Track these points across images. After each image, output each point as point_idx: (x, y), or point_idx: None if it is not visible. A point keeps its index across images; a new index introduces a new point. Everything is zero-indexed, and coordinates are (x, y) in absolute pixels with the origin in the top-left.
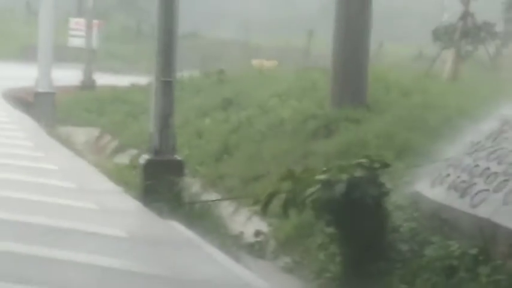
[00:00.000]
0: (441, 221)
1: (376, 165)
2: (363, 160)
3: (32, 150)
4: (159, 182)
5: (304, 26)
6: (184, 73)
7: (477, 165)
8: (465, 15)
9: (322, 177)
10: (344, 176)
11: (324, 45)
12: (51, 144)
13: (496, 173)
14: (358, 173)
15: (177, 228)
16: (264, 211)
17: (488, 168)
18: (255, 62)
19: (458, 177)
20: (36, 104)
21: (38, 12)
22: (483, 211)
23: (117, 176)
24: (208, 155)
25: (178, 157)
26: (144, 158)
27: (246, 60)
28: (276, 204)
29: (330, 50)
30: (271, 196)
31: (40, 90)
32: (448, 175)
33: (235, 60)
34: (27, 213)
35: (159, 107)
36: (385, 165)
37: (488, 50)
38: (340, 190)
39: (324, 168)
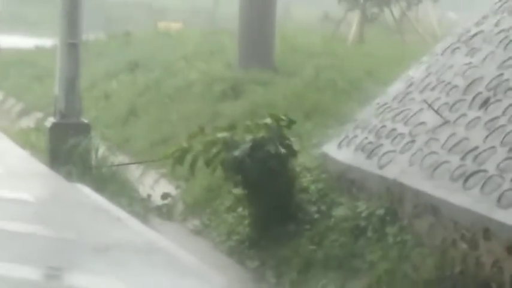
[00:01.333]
0: (349, 182)
1: (282, 123)
2: (269, 120)
3: None
4: (66, 145)
5: None
6: (89, 35)
7: (384, 127)
8: None
9: (226, 136)
10: (248, 136)
11: (230, 7)
12: None
13: (402, 134)
14: (263, 132)
15: (85, 192)
16: (174, 168)
17: (394, 130)
18: (161, 25)
19: (366, 138)
20: None
21: None
22: (390, 172)
23: (23, 139)
24: (115, 117)
25: (84, 120)
26: (49, 121)
27: (152, 23)
28: (183, 168)
29: (236, 12)
30: (180, 153)
31: None
32: (356, 136)
33: (140, 23)
34: None
35: (64, 70)
36: (291, 122)
37: (393, 13)
38: (245, 150)
39: (229, 128)
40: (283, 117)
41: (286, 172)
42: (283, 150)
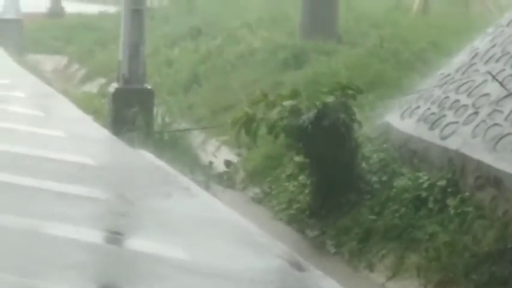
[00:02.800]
0: (411, 152)
1: (349, 91)
2: (335, 87)
3: None
4: (129, 111)
5: None
6: (153, 1)
7: (447, 98)
8: None
9: (291, 103)
10: (314, 103)
11: None
12: (18, 72)
13: (465, 106)
14: (329, 99)
15: (146, 157)
16: (238, 135)
17: (458, 101)
18: None
19: (428, 109)
20: (3, 31)
21: None
22: (452, 143)
23: (86, 104)
24: (177, 84)
25: (148, 86)
26: (113, 86)
27: None
28: (245, 135)
29: None
30: (245, 120)
31: (6, 16)
32: (418, 107)
33: None
34: None
35: (128, 36)
36: (359, 91)
37: None
38: (310, 117)
39: (292, 95)
40: (351, 86)
41: (350, 141)
42: (347, 119)
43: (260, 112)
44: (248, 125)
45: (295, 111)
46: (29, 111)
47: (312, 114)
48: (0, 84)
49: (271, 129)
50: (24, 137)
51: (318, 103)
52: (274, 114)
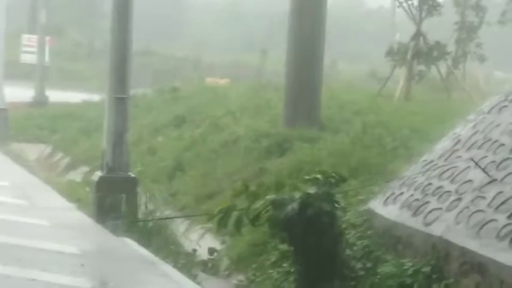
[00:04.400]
0: (395, 238)
1: (332, 180)
2: (318, 176)
3: None
4: (112, 199)
5: (257, 44)
6: (137, 90)
7: (430, 184)
8: (417, 35)
9: (274, 195)
10: (297, 194)
11: (277, 63)
12: (2, 160)
13: (448, 192)
14: (312, 189)
15: (131, 245)
16: (219, 227)
17: (441, 187)
18: (209, 80)
19: (412, 195)
20: None
21: None
22: (436, 229)
23: (70, 192)
24: (161, 172)
25: (131, 174)
26: (97, 175)
27: (200, 78)
28: (228, 225)
29: (283, 68)
30: (225, 212)
31: None
32: (402, 193)
33: (188, 78)
34: None
35: (112, 124)
36: (342, 179)
37: (440, 70)
38: (293, 208)
39: (275, 186)
40: (333, 174)
41: (333, 229)
42: (332, 207)
43: (242, 202)
44: (227, 219)
45: (278, 204)
46: (12, 200)
47: (295, 205)
48: None
49: (255, 220)
50: (8, 226)
51: (300, 194)
52: (257, 205)
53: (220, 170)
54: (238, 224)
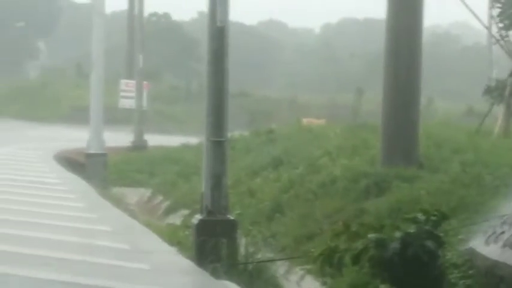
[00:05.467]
0: (497, 278)
1: (433, 218)
2: (418, 215)
3: (84, 212)
4: (212, 242)
5: (351, 84)
6: (234, 132)
7: None
8: None
9: (375, 235)
10: (398, 233)
11: (372, 102)
12: (103, 205)
13: None
14: (412, 228)
15: None
16: (322, 268)
17: None
18: (305, 121)
19: None
20: (88, 165)
21: (87, 74)
22: None
23: (170, 236)
24: (260, 214)
25: (231, 217)
26: (196, 218)
27: (295, 119)
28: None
29: (378, 107)
30: (327, 253)
31: (91, 151)
32: (503, 232)
33: (284, 119)
34: (82, 275)
35: (210, 167)
36: (444, 217)
37: None
38: (395, 248)
39: (376, 227)
40: (435, 212)
41: (435, 269)
42: (433, 246)
43: (343, 243)
44: (331, 257)
45: (380, 243)
46: (114, 245)
47: (397, 244)
48: (86, 218)
49: (356, 260)
50: (110, 270)
51: (401, 233)
52: (358, 245)
53: (319, 210)
54: (340, 265)
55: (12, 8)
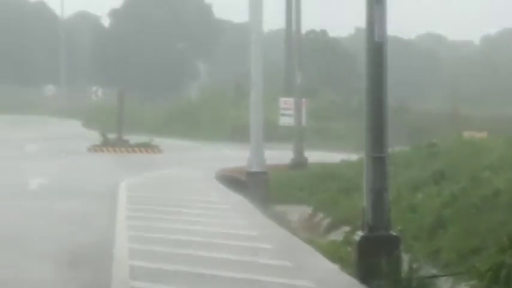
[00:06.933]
0: None
1: None
2: None
3: (246, 230)
4: (375, 259)
5: None
6: (394, 147)
7: None
8: None
9: None
10: None
11: None
12: (264, 223)
13: None
14: None
15: None
16: (489, 284)
17: None
18: (466, 134)
19: None
20: (249, 184)
21: (247, 93)
22: None
23: (332, 253)
24: (422, 229)
25: (392, 232)
26: (358, 234)
27: (456, 132)
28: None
29: None
30: (494, 268)
31: (252, 169)
32: None
33: (444, 133)
34: None
35: (371, 183)
36: None
37: None
38: None
39: None
40: None
41: None
42: None
43: (509, 257)
44: (498, 273)
45: None
46: (276, 262)
47: None
48: (249, 236)
49: None
50: None
51: None
52: None
53: (483, 225)
54: (508, 281)
55: (173, 29)
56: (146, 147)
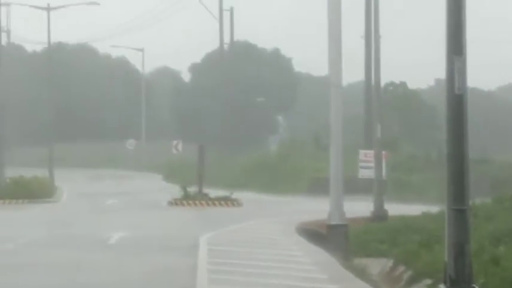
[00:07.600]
0: None
1: None
2: None
3: (327, 283)
4: None
5: None
6: (475, 199)
7: None
8: None
9: None
10: None
11: None
12: (345, 276)
13: None
14: None
15: None
16: None
17: None
18: None
19: None
20: (329, 237)
21: (326, 146)
22: None
23: None
24: (505, 282)
25: (475, 286)
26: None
27: None
28: None
29: None
30: None
31: (332, 222)
32: None
33: None
34: None
35: (452, 236)
36: None
37: None
38: None
39: None
40: None
41: None
42: None
43: None
44: None
45: None
46: None
47: None
48: None
49: None
50: None
51: None
52: None
53: None
54: None
55: (252, 84)
56: (226, 200)
